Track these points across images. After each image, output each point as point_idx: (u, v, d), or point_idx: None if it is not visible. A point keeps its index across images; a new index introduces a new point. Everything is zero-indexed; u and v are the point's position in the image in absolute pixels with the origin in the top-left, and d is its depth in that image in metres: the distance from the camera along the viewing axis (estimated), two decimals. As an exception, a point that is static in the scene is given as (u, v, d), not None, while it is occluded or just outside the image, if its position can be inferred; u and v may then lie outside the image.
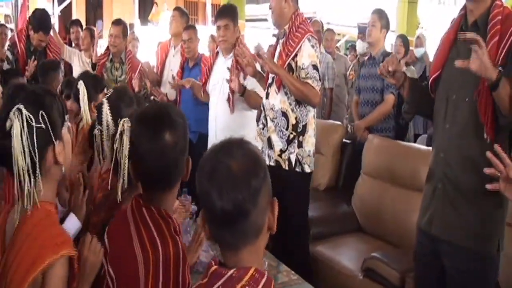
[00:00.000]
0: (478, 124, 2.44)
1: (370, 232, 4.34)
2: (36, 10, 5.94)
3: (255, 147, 1.51)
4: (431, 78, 2.69)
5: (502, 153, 2.05)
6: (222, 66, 4.62)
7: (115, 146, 2.18)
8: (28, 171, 1.70)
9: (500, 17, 2.42)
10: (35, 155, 1.71)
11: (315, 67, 3.70)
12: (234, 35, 4.52)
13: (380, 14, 5.03)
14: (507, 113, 2.33)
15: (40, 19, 5.62)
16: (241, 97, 4.38)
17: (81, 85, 3.53)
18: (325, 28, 7.94)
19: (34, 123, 1.71)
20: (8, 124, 1.70)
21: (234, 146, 1.45)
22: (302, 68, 3.69)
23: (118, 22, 5.68)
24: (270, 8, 3.88)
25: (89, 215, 2.52)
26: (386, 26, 5.03)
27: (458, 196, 2.56)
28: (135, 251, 1.77)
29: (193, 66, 5.51)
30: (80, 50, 6.99)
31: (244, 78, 4.41)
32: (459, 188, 2.55)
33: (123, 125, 2.14)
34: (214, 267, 1.43)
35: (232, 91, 4.40)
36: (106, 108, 2.64)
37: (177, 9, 6.16)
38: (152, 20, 19.67)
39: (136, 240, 1.79)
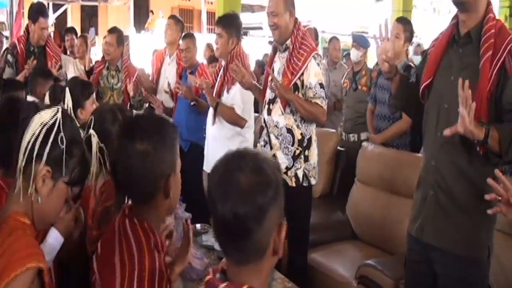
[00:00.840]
0: None
1: (365, 239, 4.35)
2: (32, 3, 5.97)
3: (272, 163, 1.45)
4: (423, 85, 2.70)
5: (502, 177, 2.08)
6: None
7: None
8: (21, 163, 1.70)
9: (493, 31, 2.43)
10: (33, 157, 1.69)
11: (321, 85, 3.70)
12: (227, 45, 4.46)
13: (405, 25, 4.80)
14: (499, 155, 2.37)
15: (37, 9, 5.65)
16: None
17: (67, 94, 3.48)
18: (319, 36, 7.94)
19: (52, 137, 1.71)
20: (37, 119, 1.71)
21: (248, 158, 1.41)
22: (310, 88, 3.68)
23: (112, 30, 5.69)
24: (272, 25, 3.77)
25: (86, 229, 2.52)
26: (409, 38, 4.82)
27: (449, 204, 2.57)
28: (114, 261, 1.75)
29: (191, 73, 5.52)
30: (75, 58, 6.98)
31: (228, 92, 4.40)
32: (450, 196, 2.57)
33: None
34: (209, 276, 1.43)
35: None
36: (94, 142, 2.61)
37: (172, 17, 6.16)
38: (148, 28, 19.73)
39: (117, 251, 1.76)
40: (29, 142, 1.68)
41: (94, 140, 2.55)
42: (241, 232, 1.37)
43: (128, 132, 1.84)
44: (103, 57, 5.74)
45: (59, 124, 1.71)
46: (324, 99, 3.71)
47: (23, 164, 1.69)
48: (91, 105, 3.64)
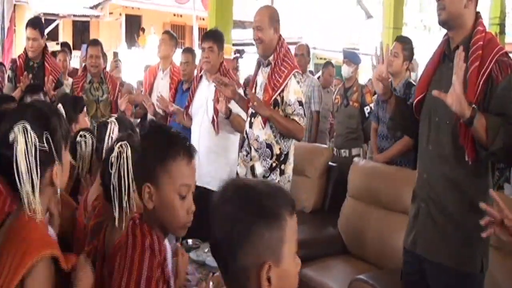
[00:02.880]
0: (459, 146, 2.49)
1: (356, 254, 4.35)
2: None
3: (269, 199, 1.36)
4: (416, 100, 2.74)
5: (497, 198, 2.09)
6: (205, 90, 4.65)
7: (112, 171, 2.18)
8: (31, 187, 1.72)
9: (481, 43, 2.48)
10: (36, 174, 1.72)
11: (300, 103, 3.76)
12: (218, 59, 4.54)
13: (405, 44, 4.80)
14: (485, 144, 2.37)
15: (30, 19, 5.69)
16: (225, 119, 4.38)
17: (60, 109, 3.52)
18: (311, 52, 8.01)
19: (38, 144, 1.73)
20: (11, 136, 1.71)
21: (241, 190, 1.39)
22: (289, 105, 3.74)
23: (95, 43, 5.70)
24: (256, 39, 3.84)
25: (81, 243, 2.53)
26: (409, 57, 4.80)
27: (441, 217, 2.59)
28: (117, 256, 1.85)
29: (186, 89, 5.52)
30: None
31: (228, 102, 4.39)
32: (441, 209, 2.59)
33: (119, 148, 2.16)
34: None
35: (217, 112, 4.41)
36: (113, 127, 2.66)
37: (166, 32, 6.22)
38: (139, 43, 19.78)
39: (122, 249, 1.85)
40: (27, 169, 1.71)
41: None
42: (221, 261, 1.40)
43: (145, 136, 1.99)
44: (82, 71, 5.71)
45: (31, 137, 1.72)
46: (302, 117, 3.77)
47: (37, 186, 1.73)
48: (83, 119, 3.69)
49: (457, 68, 2.32)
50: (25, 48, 5.60)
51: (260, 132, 3.85)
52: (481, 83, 2.42)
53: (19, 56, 5.68)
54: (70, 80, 6.70)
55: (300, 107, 3.75)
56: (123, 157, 2.17)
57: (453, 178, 2.55)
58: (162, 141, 1.89)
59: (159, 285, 1.78)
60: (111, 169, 2.18)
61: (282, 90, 3.76)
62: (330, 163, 5.33)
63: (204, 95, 4.63)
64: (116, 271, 1.80)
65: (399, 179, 4.11)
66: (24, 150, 1.70)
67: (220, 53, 4.57)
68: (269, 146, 3.83)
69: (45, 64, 5.49)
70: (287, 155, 3.87)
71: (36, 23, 5.62)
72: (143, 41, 20.48)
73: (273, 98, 3.76)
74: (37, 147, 1.72)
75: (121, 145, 2.19)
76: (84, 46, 6.42)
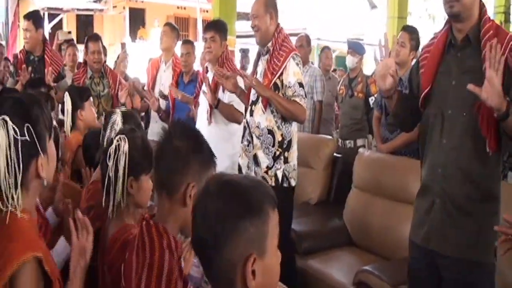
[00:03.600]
0: (476, 137, 2.45)
1: (362, 245, 4.34)
2: None
3: (256, 192, 1.38)
4: (423, 94, 2.67)
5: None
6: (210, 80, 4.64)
7: (109, 163, 2.20)
8: (10, 181, 1.68)
9: (492, 32, 2.43)
10: (18, 167, 1.68)
11: (300, 84, 3.74)
12: (220, 48, 4.55)
13: (412, 34, 4.73)
14: None
15: (29, 13, 5.69)
16: (215, 109, 4.40)
17: (66, 96, 3.63)
18: (314, 43, 7.98)
19: (19, 136, 1.68)
20: None
21: (223, 184, 1.40)
22: (289, 87, 3.72)
23: (96, 38, 5.65)
24: (253, 27, 3.86)
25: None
26: (415, 47, 4.73)
27: (457, 211, 2.55)
28: (132, 259, 1.83)
29: (188, 82, 5.53)
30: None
31: (223, 91, 4.43)
32: (457, 202, 2.54)
33: (118, 141, 2.17)
34: None
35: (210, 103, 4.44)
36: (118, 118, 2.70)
37: (168, 24, 6.20)
38: (141, 37, 19.77)
39: (134, 251, 1.84)
40: (8, 163, 1.67)
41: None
42: (203, 257, 1.39)
43: (174, 127, 1.98)
44: (82, 66, 5.69)
45: (14, 128, 1.68)
46: (303, 98, 3.74)
47: (19, 180, 1.70)
48: (89, 107, 3.78)
49: (493, 61, 2.25)
50: None
51: (261, 118, 3.83)
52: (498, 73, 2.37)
53: (20, 51, 5.72)
54: None
55: (301, 88, 3.73)
56: (121, 151, 2.19)
57: (470, 170, 2.50)
58: (201, 143, 1.96)
59: (178, 284, 1.78)
60: (109, 160, 2.20)
61: (281, 73, 3.74)
62: (335, 154, 5.32)
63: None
64: (134, 271, 1.80)
65: (405, 170, 4.09)
66: (6, 144, 1.66)
67: (223, 42, 4.56)
68: (270, 132, 3.80)
69: (45, 57, 5.49)
70: (290, 142, 3.84)
71: (31, 15, 5.63)
72: (144, 33, 20.49)
73: (272, 82, 3.74)
74: (18, 139, 1.68)
75: (119, 138, 2.21)
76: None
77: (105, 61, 5.66)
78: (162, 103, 5.62)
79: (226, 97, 4.41)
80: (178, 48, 6.03)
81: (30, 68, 5.27)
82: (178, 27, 6.21)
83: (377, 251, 4.15)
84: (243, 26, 14.80)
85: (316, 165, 5.20)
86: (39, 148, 1.74)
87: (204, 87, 4.59)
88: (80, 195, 2.82)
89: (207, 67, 4.82)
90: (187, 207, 1.84)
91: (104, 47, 5.70)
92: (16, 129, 1.68)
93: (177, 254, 1.82)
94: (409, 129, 2.95)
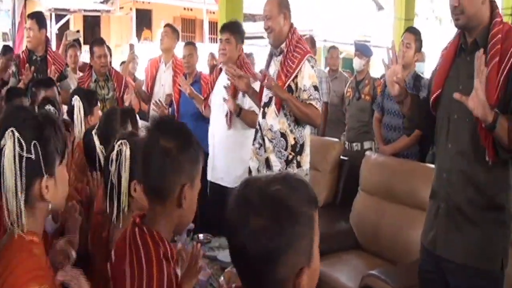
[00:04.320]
0: (479, 143, 2.43)
1: (368, 249, 4.31)
2: None
3: (297, 198, 1.30)
4: (433, 97, 2.66)
5: None
6: (224, 83, 4.57)
7: (111, 168, 2.17)
8: (15, 197, 1.64)
9: (500, 36, 2.40)
10: (21, 183, 1.63)
11: (316, 87, 3.69)
12: (235, 51, 4.47)
13: (416, 35, 4.75)
14: (507, 147, 2.32)
15: (33, 12, 5.70)
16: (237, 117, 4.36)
17: (76, 100, 3.60)
18: (321, 45, 7.97)
19: (24, 152, 1.63)
20: (2, 142, 1.64)
21: (266, 194, 1.29)
22: (304, 90, 3.66)
23: (101, 42, 5.63)
24: (266, 29, 3.79)
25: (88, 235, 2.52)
26: (419, 48, 4.76)
27: (460, 216, 2.54)
28: (125, 269, 1.75)
29: (192, 83, 5.52)
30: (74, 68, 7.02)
31: (244, 95, 4.36)
32: (461, 208, 2.53)
33: (119, 146, 2.14)
34: None
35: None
36: (97, 142, 2.68)
37: (168, 25, 6.17)
38: (146, 38, 19.83)
39: (127, 259, 1.76)
40: (15, 180, 1.64)
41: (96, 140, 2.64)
42: (251, 273, 1.32)
43: (158, 126, 1.85)
44: (87, 70, 5.66)
45: (20, 142, 1.65)
46: (318, 101, 3.70)
47: (22, 197, 1.66)
48: (97, 111, 3.80)
49: (478, 72, 2.25)
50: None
51: (274, 121, 3.79)
52: (501, 78, 2.34)
53: (22, 51, 5.70)
54: (81, 74, 6.71)
55: (316, 91, 3.68)
56: (123, 155, 2.16)
57: (473, 176, 2.49)
58: (189, 139, 1.85)
59: None
60: (111, 166, 2.17)
61: (296, 76, 3.68)
62: (341, 157, 5.30)
63: (223, 89, 4.54)
64: (130, 283, 1.72)
65: (412, 173, 4.07)
66: (12, 156, 1.62)
67: (238, 45, 4.49)
68: (283, 135, 3.76)
69: (47, 57, 5.48)
70: (302, 145, 3.80)
71: (34, 14, 5.67)
72: (148, 35, 20.56)
73: (286, 85, 3.68)
74: (23, 155, 1.63)
75: (121, 143, 2.18)
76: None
77: (110, 63, 5.65)
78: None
79: (247, 102, 4.33)
80: (178, 49, 6.04)
81: (33, 68, 5.29)
82: (178, 29, 6.20)
83: (383, 255, 4.13)
84: (249, 28, 14.81)
85: (323, 167, 5.19)
86: (43, 169, 1.68)
87: (221, 92, 4.53)
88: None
89: (220, 69, 4.77)
90: (182, 209, 1.79)
91: (109, 48, 5.70)
92: (23, 143, 1.64)
93: (173, 262, 1.78)
94: (428, 132, 2.92)
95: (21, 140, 1.64)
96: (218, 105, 4.58)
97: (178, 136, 1.82)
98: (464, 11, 2.45)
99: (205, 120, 4.97)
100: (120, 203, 2.19)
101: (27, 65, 5.30)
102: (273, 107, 3.79)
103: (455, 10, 2.47)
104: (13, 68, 5.61)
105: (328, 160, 5.17)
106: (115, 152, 2.19)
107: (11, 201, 1.64)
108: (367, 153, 4.74)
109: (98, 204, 2.65)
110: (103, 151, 2.68)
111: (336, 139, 5.70)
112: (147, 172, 1.81)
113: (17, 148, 1.63)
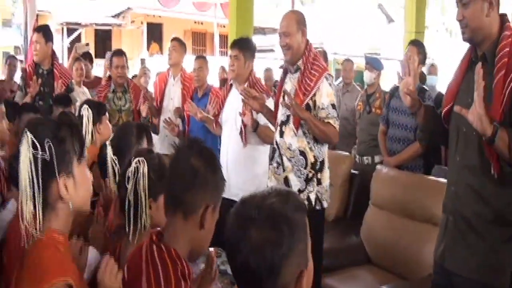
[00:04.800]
0: (486, 158, 2.43)
1: (379, 264, 4.28)
2: None
3: (292, 207, 1.39)
4: (444, 110, 2.67)
5: None
6: (235, 99, 4.56)
7: (128, 186, 2.17)
8: (32, 199, 1.66)
9: (507, 49, 2.41)
10: (38, 184, 1.65)
11: (333, 106, 3.68)
12: (244, 68, 4.46)
13: (419, 47, 4.80)
14: (508, 160, 2.32)
15: (40, 26, 5.77)
16: (253, 132, 4.34)
17: (84, 109, 3.61)
18: (331, 57, 7.97)
19: (39, 152, 1.65)
20: (21, 147, 1.67)
21: (263, 207, 1.37)
22: (322, 108, 3.65)
23: (120, 53, 5.76)
24: (284, 45, 3.73)
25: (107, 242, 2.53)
26: (423, 60, 4.82)
27: (468, 230, 2.54)
28: (142, 286, 1.76)
29: (202, 96, 5.54)
30: (85, 82, 7.08)
31: (257, 112, 4.33)
32: (469, 222, 2.53)
33: (136, 163, 2.14)
34: None
35: (244, 124, 4.36)
36: (109, 152, 2.68)
37: (176, 39, 6.18)
38: (153, 52, 19.96)
39: (144, 277, 1.77)
40: (30, 179, 1.66)
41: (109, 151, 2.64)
42: (254, 284, 1.36)
43: (191, 145, 1.90)
44: (106, 80, 5.77)
45: (34, 142, 1.66)
46: (336, 119, 3.69)
47: (40, 198, 1.68)
48: (106, 121, 3.82)
49: (477, 85, 2.25)
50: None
51: (292, 139, 3.76)
52: (507, 92, 2.34)
53: (29, 65, 5.75)
54: (85, 89, 6.76)
55: (334, 110, 3.67)
56: (140, 173, 2.16)
57: (480, 189, 2.49)
58: (218, 165, 1.91)
59: None
60: (128, 183, 2.17)
61: (314, 94, 3.66)
62: (352, 170, 5.28)
63: (234, 105, 4.56)
64: None
65: (423, 188, 4.05)
66: (26, 157, 1.65)
67: (247, 62, 4.48)
68: (302, 153, 3.72)
69: (54, 71, 5.52)
70: (322, 162, 3.77)
71: (41, 28, 5.74)
72: (155, 48, 20.69)
73: (304, 103, 3.66)
74: (37, 155, 1.66)
75: (138, 161, 2.18)
76: (108, 54, 6.48)
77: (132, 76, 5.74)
78: (176, 121, 5.66)
79: (261, 118, 4.31)
80: (188, 62, 6.07)
81: (40, 80, 5.33)
82: (193, 43, 6.24)
83: (395, 271, 4.09)
84: (259, 41, 14.87)
85: (334, 181, 5.13)
86: (56, 168, 1.68)
87: (232, 110, 4.54)
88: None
89: (231, 85, 4.77)
90: (203, 230, 1.81)
91: (127, 63, 5.77)
92: (37, 144, 1.66)
93: (190, 281, 1.78)
94: (444, 144, 2.92)
95: (35, 140, 1.66)
96: (231, 122, 4.58)
97: (209, 158, 1.87)
98: (468, 24, 2.48)
99: (213, 134, 4.98)
100: (137, 221, 2.18)
101: (34, 77, 5.34)
102: (291, 125, 3.76)
103: (460, 23, 2.51)
104: (19, 82, 5.65)
105: (339, 174, 5.15)
106: (132, 169, 2.18)
107: (26, 202, 1.66)
108: (378, 167, 4.72)
109: (111, 217, 2.65)
110: (116, 162, 2.68)
111: (347, 153, 5.68)
112: (175, 184, 1.84)
113: (31, 149, 1.65)
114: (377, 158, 5.57)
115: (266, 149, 4.43)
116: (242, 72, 4.47)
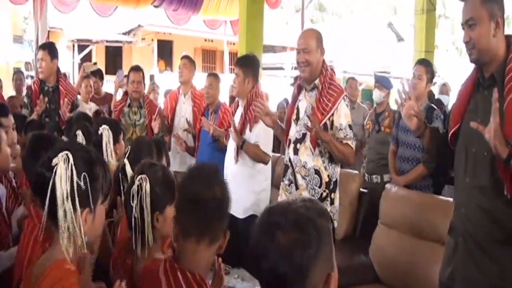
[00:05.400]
0: (497, 177, 2.40)
1: (388, 283, 4.25)
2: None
3: (316, 213, 1.42)
4: (451, 132, 2.65)
5: None
6: (239, 116, 4.65)
7: (133, 204, 2.18)
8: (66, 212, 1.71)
9: None
10: (72, 203, 1.70)
11: (350, 126, 3.72)
12: (244, 85, 4.52)
13: (427, 67, 4.83)
14: None
15: (44, 43, 5.73)
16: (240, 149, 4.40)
17: (104, 130, 3.59)
18: (340, 76, 7.99)
19: (75, 177, 1.70)
20: (54, 160, 1.70)
21: (288, 213, 1.40)
22: (340, 129, 3.68)
23: (137, 69, 5.82)
24: (303, 62, 3.73)
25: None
26: (431, 79, 4.84)
27: (479, 252, 2.51)
28: None
29: (213, 113, 5.57)
30: (95, 98, 7.13)
31: (251, 130, 4.41)
32: (480, 244, 2.50)
33: (139, 181, 2.15)
34: None
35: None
36: (129, 169, 2.70)
37: (186, 57, 6.26)
38: (162, 69, 20.12)
39: None
40: (62, 200, 1.70)
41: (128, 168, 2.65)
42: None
43: (216, 175, 1.98)
44: (123, 95, 5.84)
45: (72, 168, 1.72)
46: (354, 140, 3.73)
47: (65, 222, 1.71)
48: (122, 140, 3.82)
49: (493, 108, 2.24)
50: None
51: (308, 158, 3.76)
52: None
53: (34, 82, 5.79)
54: (92, 104, 6.80)
55: (351, 130, 3.72)
56: (143, 190, 2.16)
57: (491, 210, 2.46)
58: (224, 183, 1.96)
59: None
60: (132, 201, 2.17)
61: (332, 114, 3.67)
62: (361, 189, 5.26)
63: (237, 121, 4.62)
64: None
65: (433, 208, 4.02)
66: (64, 176, 1.69)
67: (247, 79, 4.52)
68: (317, 172, 3.73)
69: (59, 88, 5.56)
70: (335, 182, 3.79)
71: (46, 45, 5.80)
72: (162, 66, 20.86)
73: (322, 123, 3.66)
74: (75, 180, 1.70)
75: (141, 178, 2.18)
76: (120, 72, 6.53)
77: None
78: (189, 141, 5.72)
79: (253, 137, 4.37)
80: (197, 80, 6.14)
81: (46, 98, 5.37)
82: (203, 60, 6.31)
83: (404, 290, 4.06)
84: (269, 59, 14.92)
85: (342, 199, 5.10)
86: (90, 202, 1.75)
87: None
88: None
89: (238, 102, 4.82)
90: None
91: (144, 79, 5.86)
92: (75, 171, 1.71)
93: None
94: (449, 166, 2.90)
95: (73, 167, 1.71)
96: (231, 140, 4.63)
97: (226, 187, 1.95)
98: (475, 45, 2.48)
99: (221, 151, 5.00)
100: (144, 236, 2.19)
101: (41, 97, 5.38)
102: (307, 143, 3.77)
103: (467, 45, 2.51)
104: (25, 99, 5.68)
105: (348, 192, 5.13)
106: (135, 187, 2.19)
107: (62, 210, 1.70)
108: (387, 186, 4.70)
109: (123, 229, 2.66)
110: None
111: (356, 171, 5.66)
112: (197, 214, 1.88)
113: (70, 172, 1.70)
114: (386, 177, 5.56)
115: (263, 168, 4.52)
116: (243, 88, 4.54)
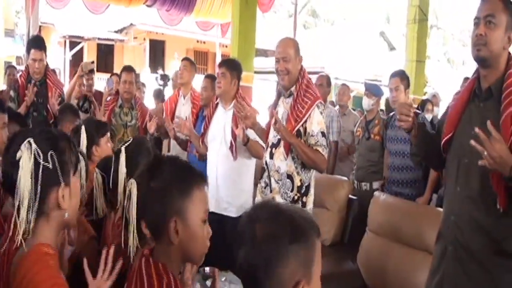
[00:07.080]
0: (490, 189, 2.41)
1: (375, 290, 4.25)
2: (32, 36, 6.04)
3: (303, 220, 1.44)
4: (444, 140, 2.66)
5: None
6: (222, 117, 4.66)
7: (125, 203, 2.16)
8: (27, 206, 1.71)
9: None
10: (35, 192, 1.71)
11: (323, 134, 3.73)
12: (230, 85, 4.55)
13: (401, 76, 5.01)
14: None
15: (30, 40, 5.76)
16: (243, 145, 4.39)
17: (82, 132, 3.52)
18: (332, 83, 7.99)
19: (41, 160, 1.72)
20: (18, 154, 1.72)
21: (268, 208, 1.44)
22: (312, 135, 3.70)
23: (129, 69, 5.79)
24: (282, 70, 3.78)
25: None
26: (408, 85, 5.03)
27: (469, 260, 2.52)
28: None
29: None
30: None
31: (246, 128, 4.39)
32: (470, 252, 2.51)
33: (130, 185, 2.13)
34: None
35: (235, 137, 4.42)
36: (123, 158, 2.66)
37: (186, 59, 6.27)
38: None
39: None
40: (32, 189, 1.71)
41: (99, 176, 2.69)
42: (250, 281, 1.40)
43: (150, 169, 1.89)
44: (115, 95, 5.79)
45: (37, 151, 1.73)
46: (325, 148, 3.73)
47: (36, 207, 1.72)
48: (105, 143, 3.72)
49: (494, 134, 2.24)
50: (26, 67, 5.64)
51: (281, 163, 3.81)
52: None
53: (20, 75, 5.72)
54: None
55: (323, 138, 3.72)
56: (132, 196, 2.15)
57: (482, 220, 2.47)
58: (180, 173, 1.85)
59: None
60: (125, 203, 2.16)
61: (305, 121, 3.71)
62: (350, 196, 5.27)
63: (221, 122, 4.64)
64: None
65: (421, 216, 4.03)
66: (28, 166, 1.70)
67: (233, 80, 4.57)
68: (290, 177, 3.77)
69: (47, 81, 5.52)
70: (308, 187, 3.81)
71: (40, 45, 5.62)
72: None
73: (295, 129, 3.71)
74: (41, 163, 1.72)
75: (131, 183, 2.17)
76: (109, 80, 6.55)
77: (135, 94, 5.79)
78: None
79: (251, 133, 4.36)
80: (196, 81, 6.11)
81: (35, 89, 5.32)
82: (195, 62, 6.28)
83: (390, 298, 4.07)
84: (261, 63, 14.92)
85: (331, 206, 5.15)
86: (61, 178, 1.77)
87: (220, 127, 4.60)
88: (88, 233, 2.78)
89: (217, 104, 4.82)
90: (176, 243, 1.79)
91: (137, 80, 5.81)
92: (40, 153, 1.73)
93: None
94: (435, 168, 2.92)
95: (39, 150, 1.73)
96: (220, 138, 4.61)
97: (165, 175, 1.84)
98: (487, 43, 2.45)
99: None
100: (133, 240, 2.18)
101: (29, 86, 5.32)
102: (281, 149, 3.81)
103: (478, 39, 2.47)
104: (11, 93, 5.60)
105: (337, 199, 5.13)
106: (127, 191, 2.18)
107: (24, 210, 1.70)
108: (376, 193, 4.71)
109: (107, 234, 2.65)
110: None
111: (345, 178, 5.67)
112: (146, 214, 1.85)
113: (36, 157, 1.72)
114: (375, 184, 5.57)
115: (251, 163, 4.59)
116: (228, 89, 4.56)
